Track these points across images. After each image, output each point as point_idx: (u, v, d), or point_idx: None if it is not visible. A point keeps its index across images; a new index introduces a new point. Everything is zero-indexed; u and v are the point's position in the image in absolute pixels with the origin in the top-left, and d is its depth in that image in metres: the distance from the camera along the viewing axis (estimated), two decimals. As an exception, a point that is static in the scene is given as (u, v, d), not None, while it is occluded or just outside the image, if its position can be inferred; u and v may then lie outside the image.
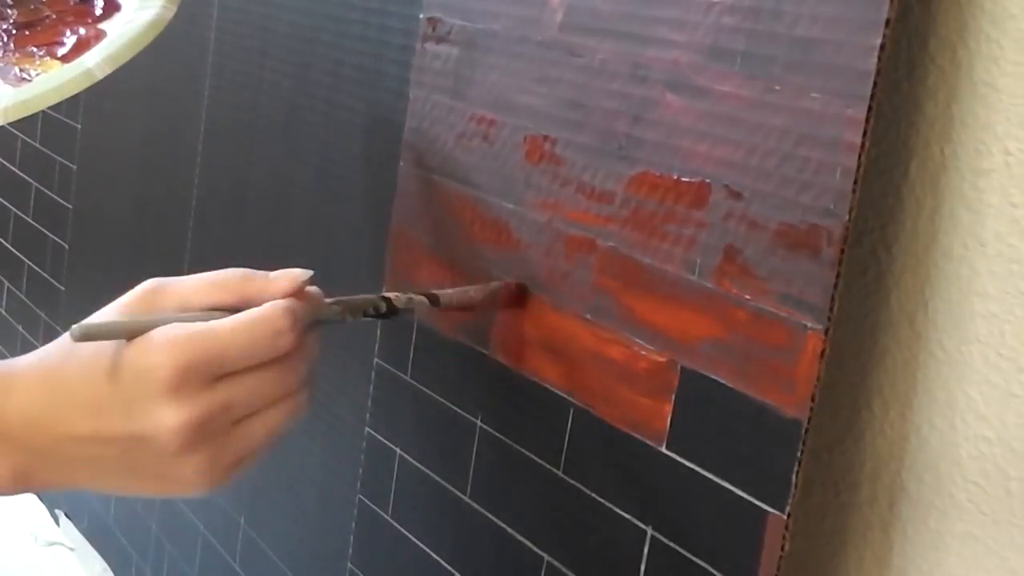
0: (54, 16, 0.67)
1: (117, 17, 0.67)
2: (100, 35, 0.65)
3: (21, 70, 0.63)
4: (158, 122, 0.96)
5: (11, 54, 0.65)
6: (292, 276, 0.51)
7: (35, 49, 0.65)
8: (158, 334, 0.47)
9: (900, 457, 0.48)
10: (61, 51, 0.64)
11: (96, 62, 0.61)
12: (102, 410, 0.48)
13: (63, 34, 0.65)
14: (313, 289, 0.52)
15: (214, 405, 0.47)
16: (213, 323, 0.48)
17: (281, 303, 0.49)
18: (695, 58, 0.49)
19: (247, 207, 0.83)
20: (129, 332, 0.48)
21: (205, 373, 0.47)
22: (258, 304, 0.49)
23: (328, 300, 0.53)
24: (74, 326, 0.47)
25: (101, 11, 0.67)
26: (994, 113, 0.44)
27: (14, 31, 0.66)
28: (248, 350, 0.48)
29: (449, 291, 0.59)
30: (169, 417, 0.47)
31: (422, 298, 0.57)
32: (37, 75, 0.63)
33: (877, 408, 0.49)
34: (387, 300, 0.55)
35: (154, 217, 0.97)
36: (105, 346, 0.48)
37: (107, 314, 0.50)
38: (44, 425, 0.49)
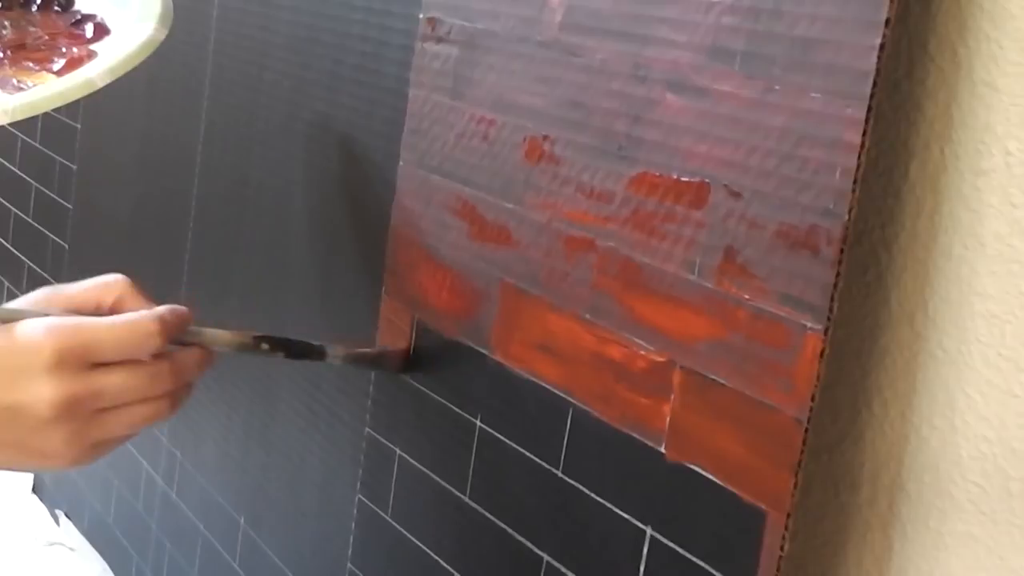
0: (47, 37, 0.70)
1: (107, 40, 0.69)
2: (92, 55, 0.68)
3: (19, 81, 0.65)
4: (158, 122, 0.96)
5: (6, 67, 0.66)
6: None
7: (31, 64, 0.67)
8: (43, 321, 0.54)
9: (900, 457, 0.48)
10: (55, 67, 0.66)
11: (98, 72, 0.63)
12: None
13: (57, 51, 0.68)
14: (182, 308, 0.58)
15: (86, 387, 0.54)
16: (92, 319, 0.55)
17: (155, 311, 0.56)
18: (695, 58, 0.49)
19: (247, 207, 0.83)
20: (14, 318, 0.55)
21: (81, 358, 0.53)
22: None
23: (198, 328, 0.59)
24: None
25: (92, 35, 0.71)
26: (994, 113, 0.44)
27: (8, 50, 0.68)
28: (120, 345, 0.54)
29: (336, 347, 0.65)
30: (47, 391, 0.53)
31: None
32: (33, 87, 0.64)
33: (877, 408, 0.48)
34: (263, 339, 0.61)
35: (154, 217, 0.97)
36: None
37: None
38: None
